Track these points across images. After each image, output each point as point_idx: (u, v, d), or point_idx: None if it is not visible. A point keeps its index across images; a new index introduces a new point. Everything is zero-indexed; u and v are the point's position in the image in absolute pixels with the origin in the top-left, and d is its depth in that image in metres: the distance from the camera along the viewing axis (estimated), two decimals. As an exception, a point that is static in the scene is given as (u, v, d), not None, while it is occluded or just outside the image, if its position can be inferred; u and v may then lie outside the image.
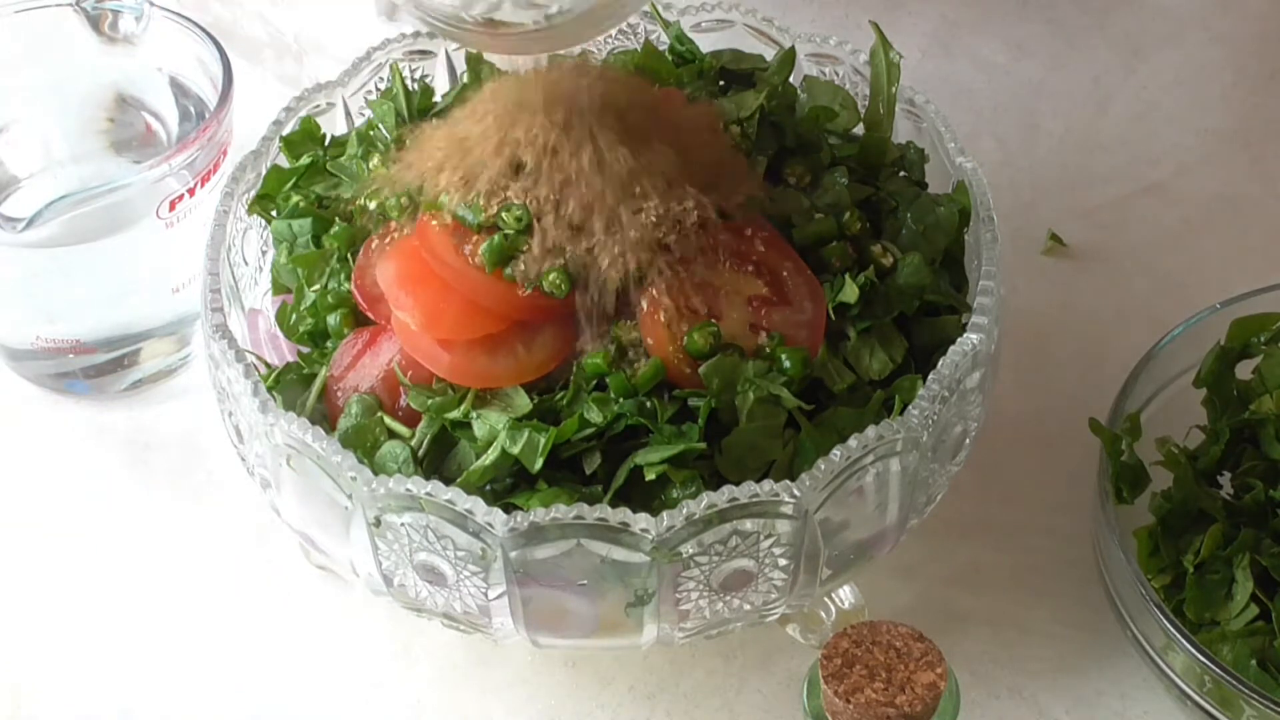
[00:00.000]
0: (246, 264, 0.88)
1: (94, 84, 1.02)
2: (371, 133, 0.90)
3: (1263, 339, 0.90)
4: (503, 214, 0.80)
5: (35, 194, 0.99)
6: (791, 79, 0.91)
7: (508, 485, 0.78)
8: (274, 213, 0.88)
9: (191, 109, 1.01)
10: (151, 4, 1.00)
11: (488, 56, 0.92)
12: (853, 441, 0.76)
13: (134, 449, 0.98)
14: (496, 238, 0.79)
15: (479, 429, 0.78)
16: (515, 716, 0.87)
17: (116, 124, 1.02)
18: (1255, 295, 0.92)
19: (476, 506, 0.74)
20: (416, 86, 0.92)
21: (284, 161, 0.89)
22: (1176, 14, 1.19)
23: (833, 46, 0.91)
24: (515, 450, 0.77)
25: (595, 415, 0.77)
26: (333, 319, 0.83)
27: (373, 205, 0.85)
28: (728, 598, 0.78)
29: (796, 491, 0.75)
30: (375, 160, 0.87)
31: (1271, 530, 0.85)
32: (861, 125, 0.90)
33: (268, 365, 0.85)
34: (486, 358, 0.79)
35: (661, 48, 0.92)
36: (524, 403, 0.78)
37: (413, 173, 0.83)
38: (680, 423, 0.78)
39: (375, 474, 0.76)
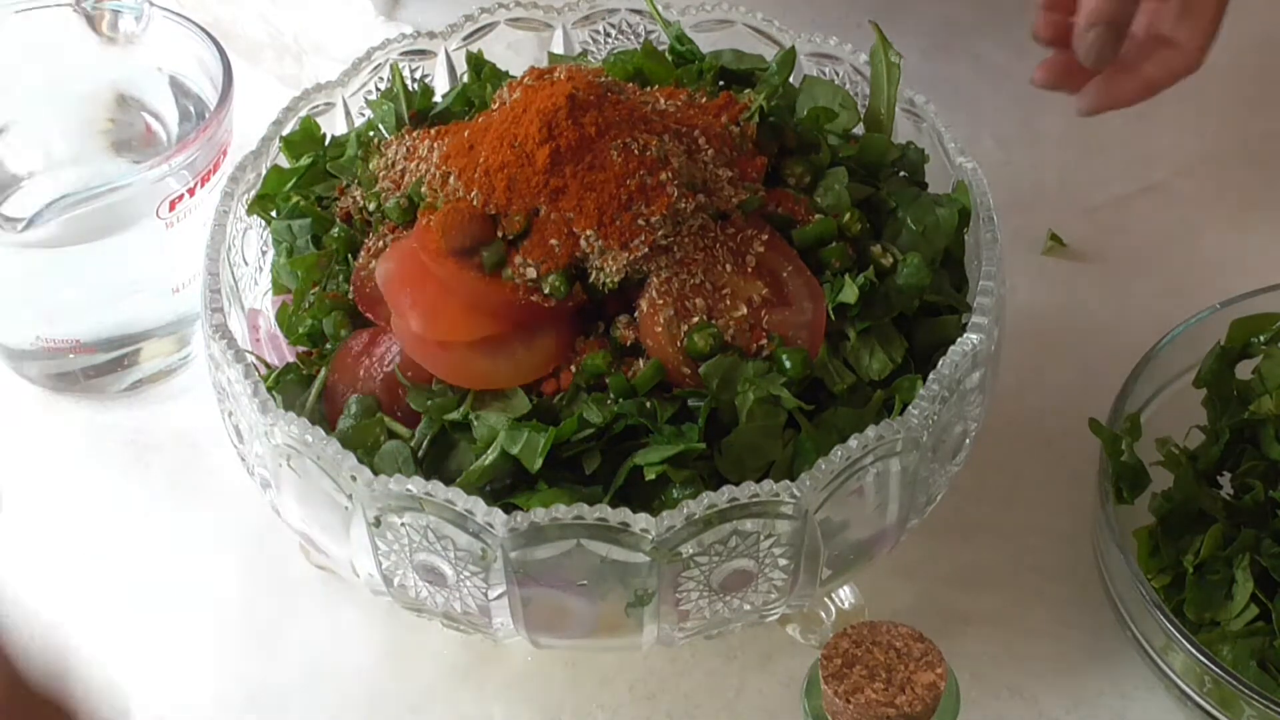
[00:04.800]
0: (246, 264, 0.88)
1: (94, 84, 1.02)
2: (371, 133, 0.90)
3: (1263, 339, 0.90)
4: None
5: (35, 194, 0.99)
6: (791, 79, 0.91)
7: (507, 485, 0.78)
8: (274, 213, 0.88)
9: (191, 109, 1.01)
10: (151, 4, 1.00)
11: (488, 56, 0.92)
12: (853, 441, 0.76)
13: (134, 449, 0.98)
14: (496, 240, 0.80)
15: (478, 430, 0.78)
16: (515, 716, 0.87)
17: (116, 124, 1.02)
18: (1255, 295, 0.92)
19: (476, 506, 0.74)
20: (416, 86, 0.92)
21: (284, 161, 0.89)
22: (1176, 14, 1.19)
23: (833, 46, 0.91)
24: (515, 450, 0.77)
25: (594, 415, 0.77)
26: (329, 321, 0.83)
27: (372, 206, 0.85)
28: (728, 598, 0.78)
29: (796, 491, 0.75)
30: (376, 162, 0.87)
31: (1271, 530, 0.85)
32: (861, 125, 0.90)
33: (268, 365, 0.85)
34: (486, 359, 0.79)
35: (661, 48, 0.92)
36: (523, 403, 0.78)
37: (413, 174, 0.83)
38: (680, 423, 0.78)
39: (375, 474, 0.76)
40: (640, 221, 0.79)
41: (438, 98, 0.92)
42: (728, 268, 0.80)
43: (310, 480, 0.78)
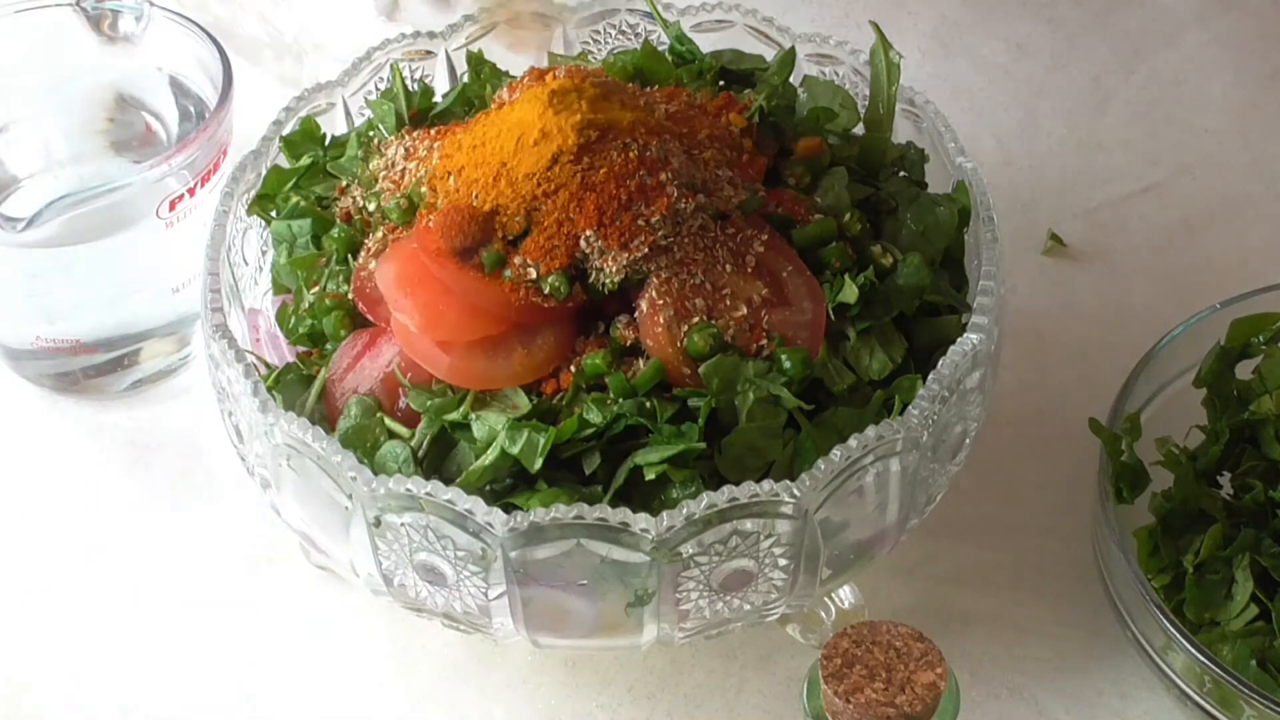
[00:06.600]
0: (246, 264, 0.88)
1: (94, 84, 1.02)
2: (371, 133, 0.90)
3: (1263, 339, 0.90)
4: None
5: (35, 194, 0.99)
6: (791, 79, 0.91)
7: (508, 485, 0.78)
8: (274, 213, 0.88)
9: (191, 109, 1.01)
10: (151, 4, 1.00)
11: (488, 56, 0.92)
12: (853, 441, 0.76)
13: (134, 449, 0.98)
14: (496, 240, 0.80)
15: (478, 430, 0.78)
16: (515, 716, 0.88)
17: (116, 124, 1.02)
18: (1255, 295, 0.92)
19: (476, 506, 0.74)
20: (416, 86, 0.92)
21: (284, 161, 0.89)
22: (1176, 14, 1.19)
23: (833, 46, 0.91)
24: (515, 450, 0.77)
25: (595, 415, 0.77)
26: (329, 321, 0.83)
27: (372, 206, 0.85)
28: (728, 598, 0.78)
29: (796, 491, 0.75)
30: (376, 162, 0.87)
31: (1271, 530, 0.85)
32: (861, 125, 0.90)
33: (268, 365, 0.85)
34: (486, 359, 0.79)
35: (661, 48, 0.92)
36: (523, 403, 0.78)
37: (413, 174, 0.83)
38: (680, 423, 0.78)
39: (375, 474, 0.76)
40: (640, 221, 0.79)
41: (438, 98, 0.92)
42: (728, 268, 0.80)
43: (310, 480, 0.78)
